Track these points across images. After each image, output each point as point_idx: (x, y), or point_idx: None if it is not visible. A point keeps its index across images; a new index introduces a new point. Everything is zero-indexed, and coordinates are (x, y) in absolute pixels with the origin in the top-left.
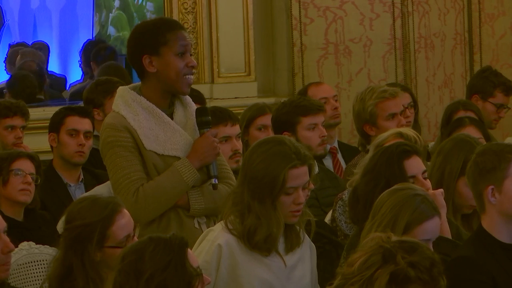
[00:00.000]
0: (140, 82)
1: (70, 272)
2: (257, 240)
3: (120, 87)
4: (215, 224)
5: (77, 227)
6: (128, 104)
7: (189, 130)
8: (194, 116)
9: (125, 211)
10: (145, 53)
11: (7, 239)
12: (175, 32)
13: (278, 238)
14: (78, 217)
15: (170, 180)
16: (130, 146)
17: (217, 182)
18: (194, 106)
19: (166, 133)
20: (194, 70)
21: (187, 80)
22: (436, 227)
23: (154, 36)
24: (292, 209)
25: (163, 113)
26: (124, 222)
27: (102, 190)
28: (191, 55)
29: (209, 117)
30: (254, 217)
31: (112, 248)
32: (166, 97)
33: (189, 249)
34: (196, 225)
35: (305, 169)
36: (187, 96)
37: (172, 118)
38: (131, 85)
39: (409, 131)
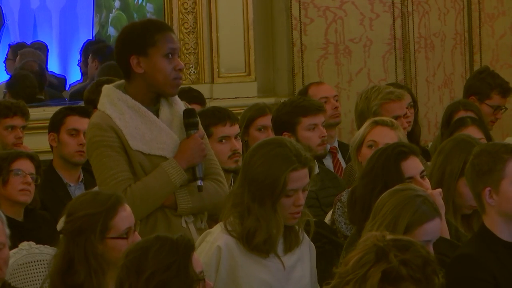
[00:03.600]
0: (123, 80)
1: (71, 265)
2: (256, 242)
3: (105, 86)
4: (202, 222)
5: (80, 217)
6: (113, 103)
7: (175, 128)
8: (180, 113)
9: (126, 204)
10: (133, 53)
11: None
12: (163, 34)
13: (277, 240)
14: (80, 208)
15: (157, 181)
16: (116, 146)
17: (202, 184)
18: (180, 104)
19: (152, 132)
20: (181, 74)
21: (175, 82)
22: (437, 228)
23: (143, 36)
24: (292, 210)
25: (149, 111)
26: (126, 215)
27: None
28: (179, 57)
29: (197, 119)
30: (254, 219)
31: (114, 240)
32: (152, 97)
33: (194, 253)
34: (184, 224)
35: (305, 171)
36: None
37: (158, 116)
38: (116, 83)
39: (383, 117)
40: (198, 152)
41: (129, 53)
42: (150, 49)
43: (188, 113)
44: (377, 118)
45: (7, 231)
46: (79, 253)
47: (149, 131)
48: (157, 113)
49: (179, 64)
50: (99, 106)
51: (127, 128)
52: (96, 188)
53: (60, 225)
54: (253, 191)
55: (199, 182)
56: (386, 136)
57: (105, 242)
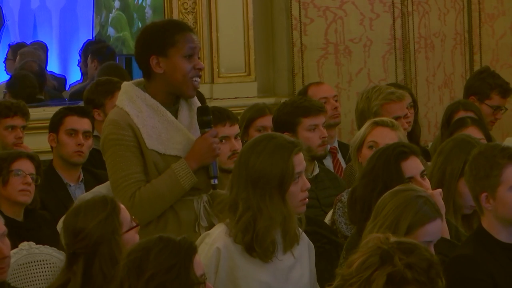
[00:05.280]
0: (143, 78)
1: (89, 277)
2: (267, 244)
3: (125, 83)
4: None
5: (95, 226)
6: (132, 100)
7: (193, 130)
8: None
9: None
10: (153, 54)
11: (2, 245)
12: (183, 34)
13: (290, 233)
14: (89, 220)
15: (166, 185)
16: (131, 145)
17: (216, 182)
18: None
19: (168, 132)
20: (201, 73)
21: (194, 83)
22: (438, 229)
23: (163, 37)
24: (301, 197)
25: (167, 111)
26: (124, 207)
27: (102, 190)
28: (198, 58)
29: (211, 117)
30: (267, 217)
31: (128, 233)
32: (171, 97)
33: (196, 256)
34: (196, 229)
35: (302, 154)
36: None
37: (176, 116)
38: (135, 80)
39: (383, 118)
40: (209, 152)
41: (149, 53)
42: (170, 49)
43: (201, 111)
44: (377, 119)
45: (4, 228)
46: (104, 259)
47: (165, 130)
48: (176, 114)
49: (199, 64)
50: (117, 102)
51: (145, 126)
52: (96, 189)
53: (60, 225)
54: (261, 187)
55: (213, 181)
56: (386, 137)
57: (123, 238)
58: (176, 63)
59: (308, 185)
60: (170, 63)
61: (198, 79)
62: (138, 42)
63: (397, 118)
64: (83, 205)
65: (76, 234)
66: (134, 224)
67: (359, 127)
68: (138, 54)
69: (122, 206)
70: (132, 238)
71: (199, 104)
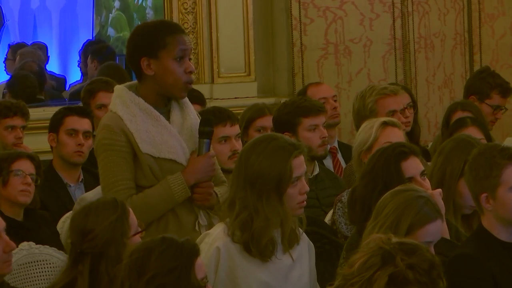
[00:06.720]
0: (136, 81)
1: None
2: (265, 243)
3: (117, 87)
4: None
5: (105, 228)
6: (126, 105)
7: (185, 131)
8: (191, 116)
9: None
10: (144, 56)
11: (7, 238)
12: (175, 36)
13: (287, 233)
14: (100, 221)
15: (160, 196)
16: (123, 151)
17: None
18: (191, 106)
19: (162, 136)
20: (192, 76)
21: (186, 86)
22: (439, 229)
23: (154, 39)
24: (299, 200)
25: (161, 116)
26: (131, 211)
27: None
28: (190, 59)
29: (212, 129)
30: (263, 218)
31: (134, 237)
32: (163, 99)
33: (198, 258)
34: (197, 228)
35: (303, 158)
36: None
37: (169, 117)
38: (128, 84)
39: (390, 118)
40: (208, 172)
41: (140, 55)
42: (161, 51)
43: (205, 122)
44: (385, 119)
45: (4, 223)
46: (111, 260)
47: (159, 134)
48: (168, 114)
49: (190, 67)
50: (111, 106)
51: (138, 131)
52: (96, 190)
53: (60, 225)
54: (259, 188)
55: None
56: (396, 137)
57: (130, 242)
58: (167, 66)
59: (307, 188)
60: (161, 66)
61: (190, 83)
62: (129, 43)
63: (393, 113)
64: (93, 205)
65: (85, 234)
66: (141, 229)
67: (357, 128)
68: (129, 55)
69: (130, 209)
70: (138, 241)
71: (190, 104)
